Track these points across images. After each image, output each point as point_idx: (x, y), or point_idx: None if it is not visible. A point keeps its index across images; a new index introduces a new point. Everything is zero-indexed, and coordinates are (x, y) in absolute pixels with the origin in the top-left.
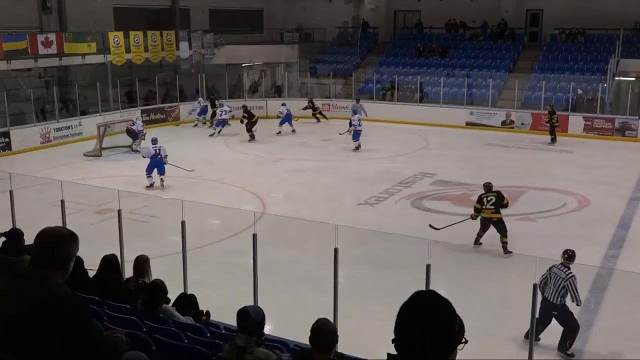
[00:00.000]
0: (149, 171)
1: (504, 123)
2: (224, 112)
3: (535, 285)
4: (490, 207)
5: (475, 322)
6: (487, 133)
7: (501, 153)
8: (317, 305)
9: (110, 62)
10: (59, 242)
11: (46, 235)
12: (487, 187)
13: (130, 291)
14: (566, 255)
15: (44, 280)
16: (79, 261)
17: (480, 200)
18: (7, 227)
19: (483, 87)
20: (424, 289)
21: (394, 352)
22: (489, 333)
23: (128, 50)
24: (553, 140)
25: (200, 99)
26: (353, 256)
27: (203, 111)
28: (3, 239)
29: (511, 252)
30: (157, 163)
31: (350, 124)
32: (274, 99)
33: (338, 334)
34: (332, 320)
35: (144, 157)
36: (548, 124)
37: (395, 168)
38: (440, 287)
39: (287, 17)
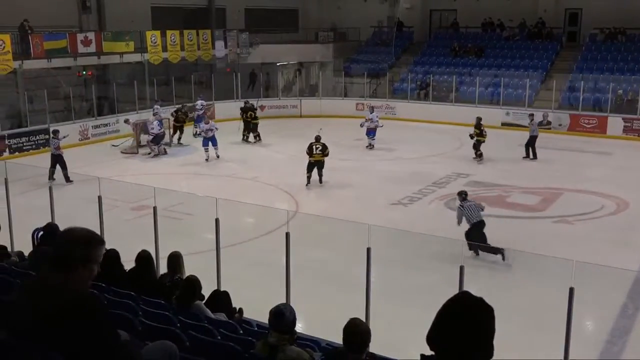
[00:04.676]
0: (204, 145)
1: (540, 124)
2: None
3: (571, 289)
4: (319, 153)
5: (510, 325)
6: (523, 134)
7: (537, 154)
8: (348, 305)
9: (147, 60)
10: (75, 243)
11: (63, 236)
12: (317, 138)
13: (165, 287)
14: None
15: (58, 286)
16: (116, 255)
17: (310, 148)
18: (47, 221)
19: (519, 87)
20: (457, 290)
21: (425, 352)
22: (524, 336)
23: (165, 49)
24: None
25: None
26: (385, 256)
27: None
28: (42, 232)
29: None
30: (211, 139)
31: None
32: (308, 98)
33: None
34: (363, 320)
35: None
36: None
37: (429, 168)
38: (473, 289)
39: (322, 16)
